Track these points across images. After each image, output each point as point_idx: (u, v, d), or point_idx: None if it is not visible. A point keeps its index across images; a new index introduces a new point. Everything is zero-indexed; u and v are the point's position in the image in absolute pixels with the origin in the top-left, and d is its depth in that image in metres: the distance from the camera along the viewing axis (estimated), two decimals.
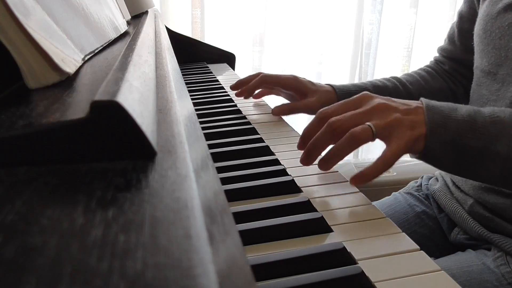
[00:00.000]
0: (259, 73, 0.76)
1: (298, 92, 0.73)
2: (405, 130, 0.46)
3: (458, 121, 0.47)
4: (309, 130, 0.50)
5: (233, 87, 0.79)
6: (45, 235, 0.15)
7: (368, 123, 0.45)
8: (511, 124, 0.46)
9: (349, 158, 1.83)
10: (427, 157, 0.48)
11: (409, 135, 0.46)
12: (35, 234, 0.15)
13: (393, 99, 0.49)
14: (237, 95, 0.78)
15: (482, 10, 0.68)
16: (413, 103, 0.49)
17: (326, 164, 0.47)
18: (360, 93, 0.50)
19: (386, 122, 0.45)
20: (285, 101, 0.79)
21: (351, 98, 0.50)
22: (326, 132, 0.47)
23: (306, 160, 0.49)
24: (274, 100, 0.81)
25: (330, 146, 0.48)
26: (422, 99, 0.50)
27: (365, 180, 0.44)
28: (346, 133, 0.45)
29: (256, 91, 0.78)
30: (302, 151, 0.50)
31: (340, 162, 0.47)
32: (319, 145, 0.48)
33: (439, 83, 0.82)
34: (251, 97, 0.80)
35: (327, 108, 0.50)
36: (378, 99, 0.48)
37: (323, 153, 0.49)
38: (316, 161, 0.49)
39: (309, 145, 0.48)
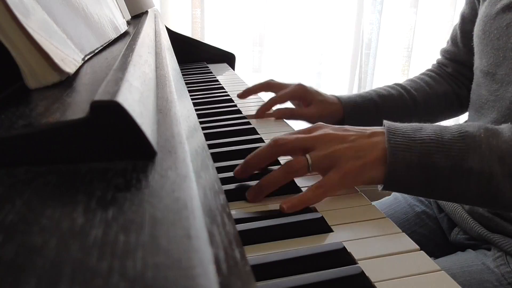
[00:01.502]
0: (267, 82, 0.76)
1: (304, 101, 0.74)
2: (345, 161, 0.43)
3: (424, 141, 0.43)
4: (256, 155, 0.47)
5: (240, 96, 0.79)
6: (45, 235, 0.15)
7: (306, 154, 0.44)
8: (480, 138, 0.43)
9: None
10: (391, 184, 0.44)
11: (350, 166, 0.43)
12: (35, 234, 0.15)
13: (348, 127, 0.47)
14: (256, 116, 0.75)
15: (481, 11, 0.68)
16: (372, 128, 0.46)
17: (258, 194, 0.43)
18: (316, 123, 0.48)
19: (324, 154, 0.43)
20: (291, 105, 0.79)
21: (306, 127, 0.48)
22: (269, 147, 0.45)
23: (240, 173, 0.46)
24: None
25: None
26: (385, 122, 0.47)
27: (297, 207, 0.41)
28: (282, 165, 0.44)
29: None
30: (235, 170, 0.47)
31: None
32: (258, 159, 0.46)
33: (443, 87, 0.82)
34: (250, 96, 0.80)
35: (281, 136, 0.47)
36: (328, 129, 0.46)
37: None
38: None
39: (248, 157, 0.46)
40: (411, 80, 0.83)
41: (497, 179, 0.42)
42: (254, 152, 0.46)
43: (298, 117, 0.73)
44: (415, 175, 0.43)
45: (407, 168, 0.43)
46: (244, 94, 0.78)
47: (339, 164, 0.43)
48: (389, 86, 0.80)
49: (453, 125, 0.46)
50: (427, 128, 0.45)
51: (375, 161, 0.43)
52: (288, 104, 0.77)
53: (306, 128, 0.48)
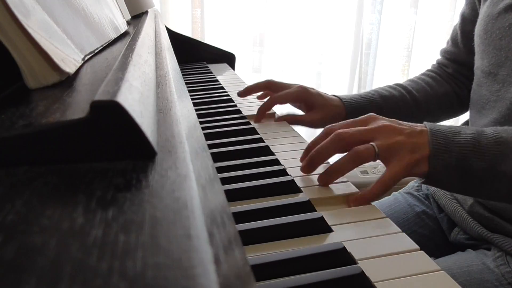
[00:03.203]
0: (267, 82, 0.76)
1: (306, 104, 0.73)
2: (406, 153, 0.46)
3: (462, 144, 0.47)
4: (315, 144, 0.50)
5: (241, 94, 0.79)
6: (45, 235, 0.15)
7: (371, 142, 0.46)
8: None
9: None
10: (432, 181, 0.49)
11: (409, 158, 0.46)
12: (35, 234, 0.15)
13: (398, 121, 0.50)
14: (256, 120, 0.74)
15: (483, 11, 0.68)
16: (418, 126, 0.50)
17: (326, 179, 0.47)
18: (368, 114, 0.51)
19: (389, 144, 0.46)
20: (291, 107, 0.78)
21: (358, 118, 0.51)
22: (332, 141, 0.47)
23: (307, 168, 0.49)
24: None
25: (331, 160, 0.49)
26: (425, 123, 0.50)
27: (364, 202, 0.44)
28: (350, 150, 0.46)
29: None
30: (301, 167, 0.49)
31: None
32: (323, 153, 0.48)
33: (444, 87, 0.82)
34: (250, 96, 0.80)
35: (334, 125, 0.51)
36: (384, 121, 0.49)
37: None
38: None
39: (313, 153, 0.48)
40: (412, 81, 0.83)
41: None
42: (316, 148, 0.48)
43: (301, 123, 0.73)
44: (452, 175, 0.47)
45: (445, 169, 0.47)
46: (244, 93, 0.78)
47: (400, 155, 0.46)
48: (390, 87, 0.80)
49: (489, 129, 0.50)
50: (466, 131, 0.49)
51: (424, 158, 0.47)
52: (288, 107, 0.77)
53: (360, 119, 0.51)
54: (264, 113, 0.72)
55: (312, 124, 0.73)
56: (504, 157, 0.46)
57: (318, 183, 0.47)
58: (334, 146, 0.47)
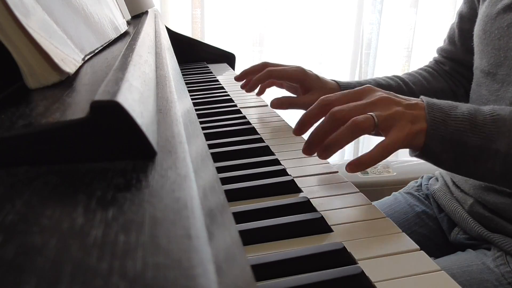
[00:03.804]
0: (264, 64, 0.76)
1: (303, 86, 0.72)
2: (406, 123, 0.46)
3: (458, 119, 0.47)
4: (308, 116, 0.50)
5: (237, 78, 0.78)
6: (45, 235, 0.15)
7: (370, 113, 0.46)
8: (511, 122, 0.46)
9: (349, 158, 1.83)
10: (426, 154, 0.48)
11: (410, 128, 0.46)
12: (35, 234, 0.15)
13: (395, 94, 0.50)
14: (242, 87, 0.77)
15: (482, 11, 0.68)
16: (414, 99, 0.49)
17: (326, 152, 0.47)
18: (364, 86, 0.51)
19: (388, 114, 0.46)
20: (287, 93, 0.78)
21: (354, 89, 0.50)
22: (329, 121, 0.47)
23: (308, 150, 0.49)
24: (274, 94, 0.80)
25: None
26: (422, 97, 0.50)
27: (361, 167, 0.44)
28: (348, 121, 0.45)
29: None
30: (302, 149, 0.50)
31: (340, 163, 0.47)
32: (321, 134, 0.47)
33: (440, 83, 0.82)
34: (251, 95, 0.80)
35: (329, 96, 0.50)
36: (381, 92, 0.49)
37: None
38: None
39: (310, 135, 0.48)
40: (410, 74, 0.83)
41: None
42: (314, 130, 0.48)
43: (297, 106, 0.72)
44: (446, 150, 0.46)
45: (440, 142, 0.46)
46: (241, 77, 0.78)
47: (400, 124, 0.46)
48: (388, 77, 0.80)
49: (486, 107, 0.49)
50: (462, 106, 0.48)
51: (422, 131, 0.46)
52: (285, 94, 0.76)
53: (356, 91, 0.50)
54: (257, 84, 0.71)
55: (307, 106, 0.73)
56: (499, 134, 0.46)
57: (318, 157, 0.47)
58: (331, 126, 0.47)
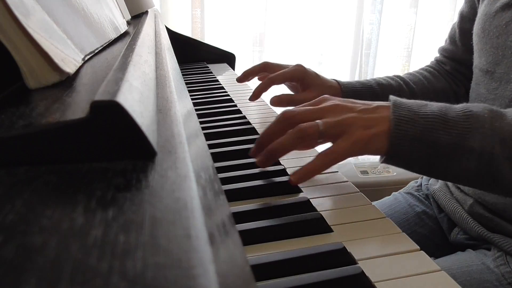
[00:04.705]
0: (264, 64, 0.76)
1: (302, 84, 0.72)
2: (355, 130, 0.44)
3: (428, 116, 0.44)
4: (268, 130, 0.48)
5: (239, 80, 0.78)
6: (45, 235, 0.15)
7: (317, 120, 0.44)
8: (484, 119, 0.44)
9: (349, 158, 1.83)
10: (394, 157, 0.45)
11: (360, 135, 0.44)
12: (35, 234, 0.15)
13: (354, 100, 0.48)
14: (238, 80, 0.78)
15: (481, 10, 0.68)
16: (376, 103, 0.47)
17: (265, 160, 0.45)
18: (322, 96, 0.49)
19: (335, 121, 0.44)
20: (286, 90, 0.78)
21: (312, 100, 0.49)
22: (278, 122, 0.46)
23: (256, 152, 0.47)
24: (274, 93, 0.80)
25: None
26: (391, 96, 0.48)
27: (305, 176, 0.43)
28: (293, 129, 0.44)
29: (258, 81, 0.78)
30: (250, 152, 0.48)
31: (340, 163, 0.47)
32: (271, 134, 0.46)
33: (441, 83, 0.82)
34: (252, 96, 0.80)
35: (291, 108, 0.48)
36: (336, 100, 0.48)
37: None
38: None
39: (261, 136, 0.47)
40: (410, 74, 0.83)
41: (497, 160, 0.43)
42: (264, 130, 0.47)
43: (297, 103, 0.72)
44: (416, 149, 0.44)
45: (409, 142, 0.44)
46: (242, 78, 0.78)
47: (349, 131, 0.44)
48: (389, 77, 0.80)
49: (458, 105, 0.47)
50: (432, 104, 0.46)
51: (382, 133, 0.44)
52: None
53: (313, 101, 0.49)
54: (260, 93, 0.71)
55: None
56: (473, 131, 0.43)
57: (257, 164, 0.45)
58: (280, 127, 0.46)
